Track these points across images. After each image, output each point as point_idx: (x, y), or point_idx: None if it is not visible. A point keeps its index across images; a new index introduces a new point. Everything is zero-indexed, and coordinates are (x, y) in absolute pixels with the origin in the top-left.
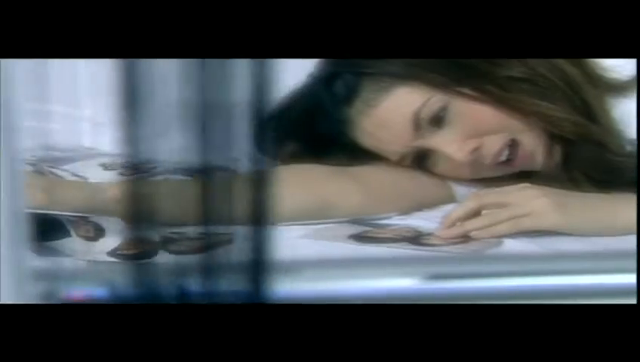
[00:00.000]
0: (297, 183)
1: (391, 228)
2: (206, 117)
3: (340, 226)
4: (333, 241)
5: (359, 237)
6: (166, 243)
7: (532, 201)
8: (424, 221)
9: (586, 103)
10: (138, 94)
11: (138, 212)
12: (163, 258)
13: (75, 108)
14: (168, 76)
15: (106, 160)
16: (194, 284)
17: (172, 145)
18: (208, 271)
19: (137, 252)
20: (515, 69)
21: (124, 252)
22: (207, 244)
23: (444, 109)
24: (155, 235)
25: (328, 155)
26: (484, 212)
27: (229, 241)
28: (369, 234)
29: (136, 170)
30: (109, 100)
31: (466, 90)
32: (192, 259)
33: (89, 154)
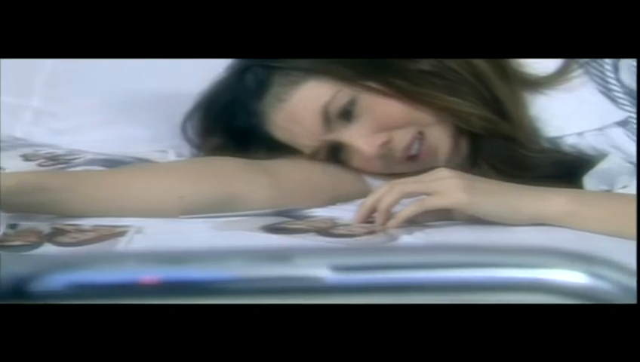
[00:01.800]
0: (206, 175)
1: (309, 219)
2: (137, 110)
3: (254, 218)
4: (243, 232)
5: (270, 229)
6: (54, 235)
7: (442, 181)
8: (347, 212)
9: (497, 99)
10: (72, 88)
11: (24, 203)
12: (48, 249)
13: (14, 98)
14: (101, 71)
15: (28, 151)
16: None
17: (99, 137)
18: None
19: (22, 243)
20: (425, 62)
21: (8, 243)
22: (99, 236)
23: (352, 103)
24: (45, 227)
25: (249, 149)
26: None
27: (122, 234)
28: (282, 226)
29: (56, 162)
30: (47, 92)
31: (375, 84)
32: (77, 251)
33: (15, 145)
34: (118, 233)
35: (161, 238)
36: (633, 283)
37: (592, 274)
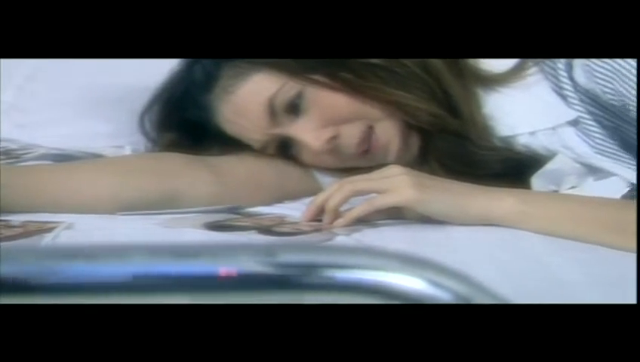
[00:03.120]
0: (146, 172)
1: (257, 217)
2: (102, 105)
3: (201, 214)
4: (184, 229)
5: (213, 226)
6: None
7: (392, 178)
8: (298, 211)
9: (448, 94)
10: (47, 83)
11: None
12: None
13: None
14: (77, 67)
15: None
16: None
17: (62, 132)
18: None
19: None
20: None
21: None
22: (25, 232)
23: (299, 96)
24: None
25: (202, 144)
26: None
27: (49, 230)
28: (227, 223)
29: (8, 156)
30: (22, 87)
31: (322, 77)
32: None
33: None
34: (45, 229)
35: (90, 235)
36: (467, 291)
37: (427, 280)
